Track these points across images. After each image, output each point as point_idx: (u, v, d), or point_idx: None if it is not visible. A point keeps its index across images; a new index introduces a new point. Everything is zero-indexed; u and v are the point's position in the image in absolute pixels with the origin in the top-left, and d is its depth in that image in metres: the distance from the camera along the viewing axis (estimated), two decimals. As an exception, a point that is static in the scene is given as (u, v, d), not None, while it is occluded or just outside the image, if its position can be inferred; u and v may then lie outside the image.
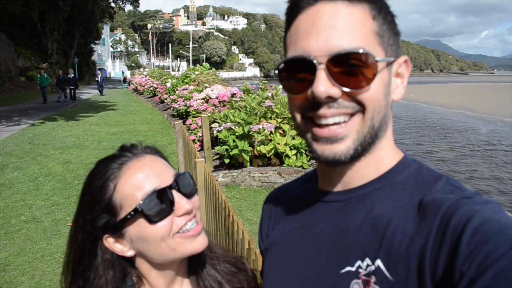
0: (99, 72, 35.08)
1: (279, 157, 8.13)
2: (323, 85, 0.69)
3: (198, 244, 0.94)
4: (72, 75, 27.41)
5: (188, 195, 0.94)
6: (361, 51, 0.68)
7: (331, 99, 0.70)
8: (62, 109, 21.87)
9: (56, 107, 22.62)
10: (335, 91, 0.70)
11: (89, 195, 0.92)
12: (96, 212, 0.91)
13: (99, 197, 0.91)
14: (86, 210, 0.93)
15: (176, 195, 0.92)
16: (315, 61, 0.69)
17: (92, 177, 0.94)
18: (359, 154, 0.74)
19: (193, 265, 1.05)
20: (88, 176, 0.95)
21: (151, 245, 0.91)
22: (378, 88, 0.72)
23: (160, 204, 0.89)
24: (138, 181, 0.90)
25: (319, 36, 0.70)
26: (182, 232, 0.92)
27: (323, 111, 0.71)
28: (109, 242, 0.93)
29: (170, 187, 0.91)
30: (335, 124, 0.72)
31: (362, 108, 0.71)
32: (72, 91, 26.80)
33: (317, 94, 0.69)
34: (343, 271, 0.74)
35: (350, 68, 0.69)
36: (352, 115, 0.72)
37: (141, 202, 0.88)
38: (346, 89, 0.70)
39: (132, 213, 0.89)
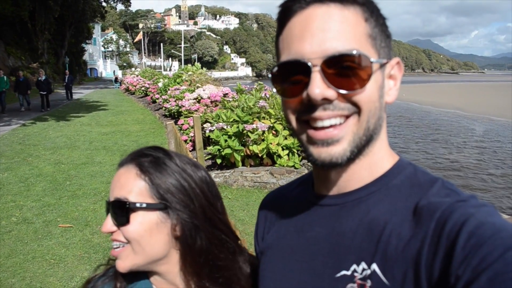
0: (67, 72, 30.56)
1: (271, 157, 8.13)
2: (318, 87, 0.69)
3: (117, 264, 0.93)
4: (44, 77, 22.30)
5: (116, 224, 0.93)
6: (355, 52, 0.68)
7: (326, 101, 0.70)
8: (53, 109, 21.70)
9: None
10: (330, 93, 0.69)
11: None
12: None
13: None
14: None
15: (110, 213, 0.94)
16: (309, 64, 0.69)
17: None
18: (355, 156, 0.74)
19: None
20: None
21: None
22: (373, 90, 0.72)
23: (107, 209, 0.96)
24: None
25: (313, 39, 0.69)
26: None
27: (318, 113, 0.71)
28: None
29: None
30: (330, 126, 0.71)
31: (357, 109, 0.71)
32: (45, 97, 21.60)
33: (313, 96, 0.69)
34: (338, 275, 0.74)
35: (345, 70, 0.69)
36: (347, 117, 0.71)
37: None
38: (341, 91, 0.69)
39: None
